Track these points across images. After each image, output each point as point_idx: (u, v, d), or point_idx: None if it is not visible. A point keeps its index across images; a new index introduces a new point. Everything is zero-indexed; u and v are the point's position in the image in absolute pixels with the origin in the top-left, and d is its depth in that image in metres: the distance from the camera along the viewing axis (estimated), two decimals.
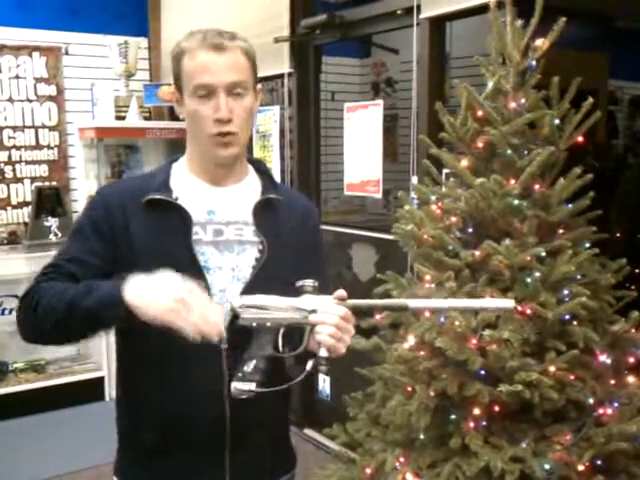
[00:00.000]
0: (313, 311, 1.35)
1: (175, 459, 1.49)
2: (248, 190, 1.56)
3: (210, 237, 1.49)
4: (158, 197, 1.46)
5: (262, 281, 1.46)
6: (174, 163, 1.57)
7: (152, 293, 1.27)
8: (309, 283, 1.38)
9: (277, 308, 1.36)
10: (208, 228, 1.49)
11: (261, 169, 1.63)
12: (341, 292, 1.37)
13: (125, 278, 1.31)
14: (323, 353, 1.32)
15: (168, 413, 1.45)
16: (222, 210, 1.51)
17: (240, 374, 1.33)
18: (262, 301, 1.37)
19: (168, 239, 1.45)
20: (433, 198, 2.11)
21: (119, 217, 1.45)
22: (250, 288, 1.45)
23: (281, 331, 1.36)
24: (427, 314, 1.97)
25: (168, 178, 1.52)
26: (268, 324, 1.35)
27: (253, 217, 1.52)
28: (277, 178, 3.83)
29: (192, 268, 1.43)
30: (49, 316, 1.35)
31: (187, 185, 1.52)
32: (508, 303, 1.35)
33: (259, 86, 1.52)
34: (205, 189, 1.52)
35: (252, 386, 1.32)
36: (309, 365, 1.33)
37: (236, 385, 1.32)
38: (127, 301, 1.28)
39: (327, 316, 1.34)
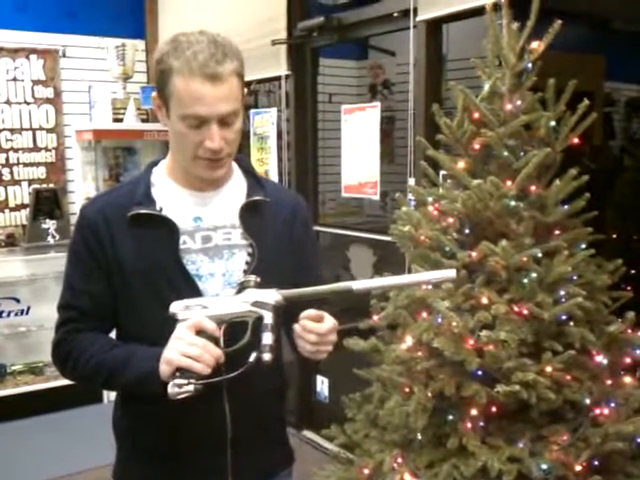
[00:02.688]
0: (256, 303, 1.32)
1: (176, 462, 1.49)
2: (234, 192, 1.54)
3: (199, 245, 1.47)
4: (142, 211, 1.44)
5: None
6: (154, 168, 1.54)
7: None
8: (251, 278, 1.35)
9: (219, 305, 1.34)
10: (196, 236, 1.48)
11: (246, 168, 1.60)
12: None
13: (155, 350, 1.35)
14: (267, 340, 1.28)
15: (168, 416, 1.44)
16: (209, 215, 1.50)
17: (178, 372, 1.30)
18: (203, 302, 1.35)
19: (156, 253, 1.44)
20: (430, 199, 2.12)
21: (105, 236, 1.44)
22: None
23: (222, 327, 1.34)
24: (424, 314, 1.98)
25: (150, 188, 1.49)
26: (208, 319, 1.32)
27: (240, 220, 1.50)
28: (274, 180, 3.85)
29: (183, 278, 1.44)
30: (87, 380, 1.49)
31: (170, 193, 1.50)
32: (450, 273, 1.34)
33: (245, 90, 1.48)
34: (189, 196, 1.50)
35: (192, 381, 1.28)
36: (252, 357, 1.28)
37: (176, 381, 1.28)
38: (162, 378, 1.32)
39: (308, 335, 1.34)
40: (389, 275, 2.20)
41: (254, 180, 1.58)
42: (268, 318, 1.31)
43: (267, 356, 1.27)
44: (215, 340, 1.32)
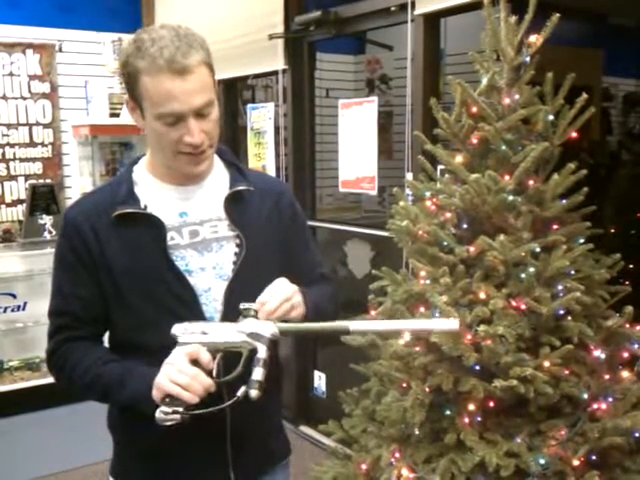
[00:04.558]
0: (252, 334, 1.31)
1: (176, 456, 1.49)
2: (217, 184, 1.53)
3: (187, 240, 1.47)
4: (127, 211, 1.43)
5: (245, 275, 1.46)
6: (135, 166, 1.53)
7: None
8: (252, 306, 1.34)
9: (217, 332, 1.34)
10: (183, 231, 1.47)
11: (227, 159, 1.59)
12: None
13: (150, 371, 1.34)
14: (257, 376, 1.28)
15: None
16: (194, 210, 1.49)
17: (168, 399, 1.30)
18: (204, 327, 1.35)
19: (144, 252, 1.43)
20: (428, 194, 2.11)
21: (92, 240, 1.43)
22: (234, 284, 1.45)
23: (218, 357, 1.34)
24: (422, 309, 1.97)
25: (132, 186, 1.48)
26: (205, 348, 1.32)
27: (225, 212, 1.50)
28: (272, 174, 3.84)
29: (172, 275, 1.43)
30: (83, 393, 1.48)
31: (154, 190, 1.49)
32: (453, 324, 1.30)
33: (216, 79, 1.46)
34: (173, 191, 1.49)
35: (179, 410, 1.29)
36: (240, 391, 1.28)
37: (163, 409, 1.29)
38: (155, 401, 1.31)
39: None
40: (385, 270, 2.21)
41: (236, 171, 1.57)
42: (262, 352, 1.30)
43: (254, 393, 1.27)
44: (208, 370, 1.32)
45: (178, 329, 1.35)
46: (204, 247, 1.47)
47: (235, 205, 1.51)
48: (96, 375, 1.42)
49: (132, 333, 1.45)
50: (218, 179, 1.54)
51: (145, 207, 1.45)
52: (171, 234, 1.45)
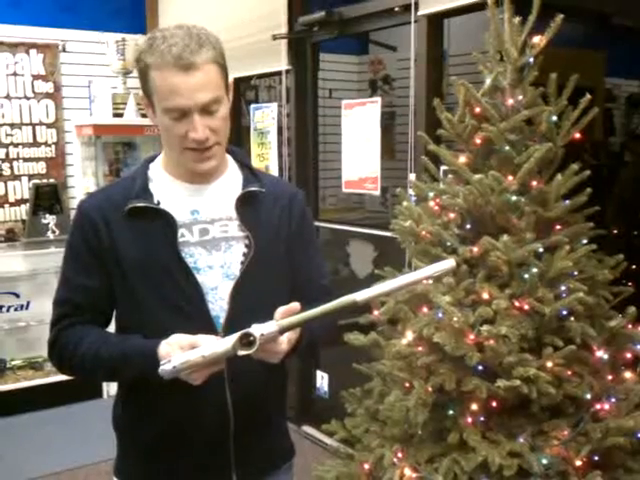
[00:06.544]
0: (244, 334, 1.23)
1: (179, 456, 1.49)
2: (230, 184, 1.54)
3: (197, 237, 1.48)
4: (140, 205, 1.45)
5: (251, 276, 1.46)
6: (151, 163, 1.55)
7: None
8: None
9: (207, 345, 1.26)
10: (194, 229, 1.48)
11: (241, 160, 1.60)
12: (285, 308, 1.29)
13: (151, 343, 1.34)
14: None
15: (169, 411, 1.45)
16: (206, 208, 1.50)
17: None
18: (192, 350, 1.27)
19: (154, 246, 1.44)
20: (431, 195, 2.12)
21: (104, 231, 1.44)
22: (240, 284, 1.46)
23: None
24: (425, 309, 1.98)
25: (147, 182, 1.50)
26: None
27: (236, 212, 1.50)
28: (275, 174, 3.84)
29: (181, 271, 1.44)
30: (87, 376, 1.53)
31: (167, 187, 1.50)
32: (449, 263, 1.33)
33: (230, 79, 1.47)
34: (186, 189, 1.50)
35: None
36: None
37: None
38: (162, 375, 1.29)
39: None
40: (388, 270, 2.22)
41: (250, 172, 1.58)
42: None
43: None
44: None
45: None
46: (213, 246, 1.48)
47: (247, 206, 1.51)
48: (94, 362, 1.42)
49: (137, 327, 1.45)
50: (231, 179, 1.55)
51: (158, 203, 1.47)
52: (182, 231, 1.46)
